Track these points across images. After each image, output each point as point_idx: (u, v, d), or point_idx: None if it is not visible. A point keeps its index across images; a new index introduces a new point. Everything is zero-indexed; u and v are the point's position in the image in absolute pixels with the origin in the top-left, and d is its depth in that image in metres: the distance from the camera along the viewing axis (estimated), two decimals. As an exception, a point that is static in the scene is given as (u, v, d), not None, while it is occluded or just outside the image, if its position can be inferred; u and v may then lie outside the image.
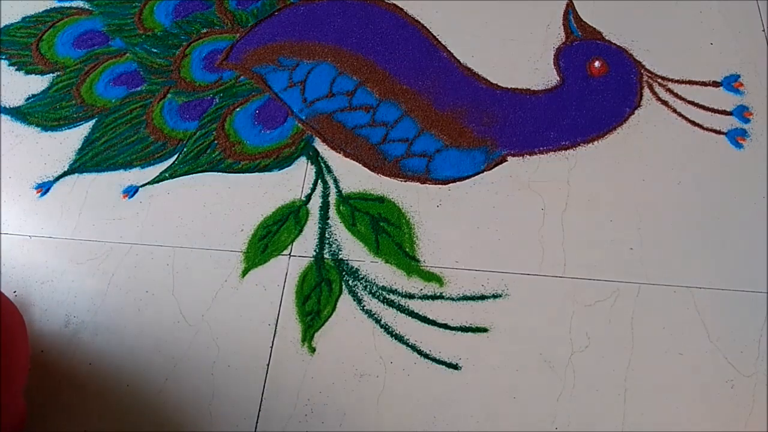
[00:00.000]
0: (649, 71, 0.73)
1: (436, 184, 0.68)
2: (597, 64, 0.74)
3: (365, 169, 0.70)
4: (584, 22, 0.77)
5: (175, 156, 0.73)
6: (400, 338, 0.59)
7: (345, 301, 0.62)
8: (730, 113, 0.69)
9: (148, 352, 0.61)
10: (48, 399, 0.58)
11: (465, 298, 0.60)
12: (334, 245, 0.65)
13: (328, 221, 0.67)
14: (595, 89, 0.72)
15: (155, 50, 0.82)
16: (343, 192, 0.68)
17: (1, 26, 0.87)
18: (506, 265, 0.62)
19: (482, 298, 0.60)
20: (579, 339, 0.57)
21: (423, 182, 0.68)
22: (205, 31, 0.83)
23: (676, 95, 0.71)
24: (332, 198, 0.68)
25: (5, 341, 0.52)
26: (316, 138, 0.73)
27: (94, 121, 0.77)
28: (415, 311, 0.60)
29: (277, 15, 0.83)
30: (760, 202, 0.63)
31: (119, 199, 0.71)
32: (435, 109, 0.72)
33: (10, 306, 0.56)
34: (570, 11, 0.78)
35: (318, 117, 0.74)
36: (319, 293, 0.62)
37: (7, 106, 0.80)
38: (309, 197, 0.69)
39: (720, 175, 0.65)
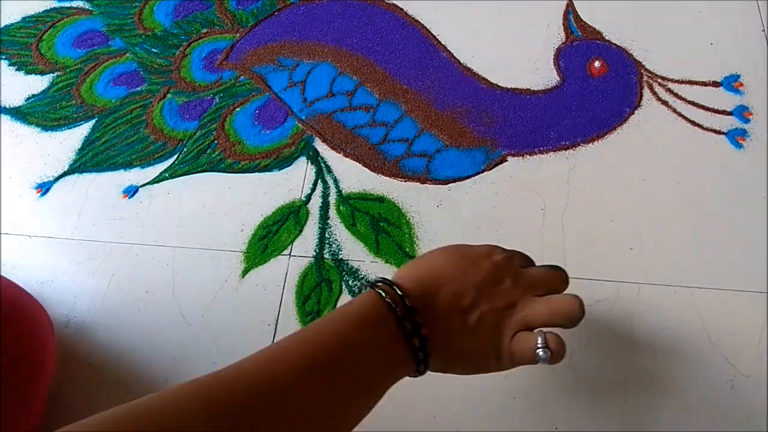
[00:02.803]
0: (649, 71, 0.73)
1: (436, 184, 0.68)
2: (597, 64, 0.74)
3: (365, 169, 0.70)
4: (584, 22, 0.77)
5: (175, 156, 0.73)
6: (400, 338, 0.59)
7: (345, 301, 0.62)
8: (730, 113, 0.69)
9: (148, 352, 0.61)
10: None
11: (465, 298, 0.60)
12: (334, 245, 0.65)
13: (328, 221, 0.67)
14: (595, 89, 0.72)
15: (155, 50, 0.82)
16: (343, 192, 0.69)
17: (1, 26, 0.87)
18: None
19: (482, 298, 0.60)
20: (579, 339, 0.57)
21: (423, 182, 0.68)
22: (205, 31, 0.83)
23: (676, 95, 0.71)
24: (332, 198, 0.68)
25: (40, 338, 0.53)
26: (316, 138, 0.73)
27: (94, 121, 0.77)
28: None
29: (277, 15, 0.83)
30: (760, 202, 0.63)
31: (119, 199, 0.71)
32: (435, 109, 0.72)
33: (36, 303, 0.56)
34: (570, 11, 0.78)
35: (318, 117, 0.74)
36: (319, 293, 0.62)
37: (7, 106, 0.80)
38: (309, 197, 0.69)
39: (720, 175, 0.65)
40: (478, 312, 0.38)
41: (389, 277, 0.39)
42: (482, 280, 0.39)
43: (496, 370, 0.41)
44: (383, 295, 0.36)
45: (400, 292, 0.36)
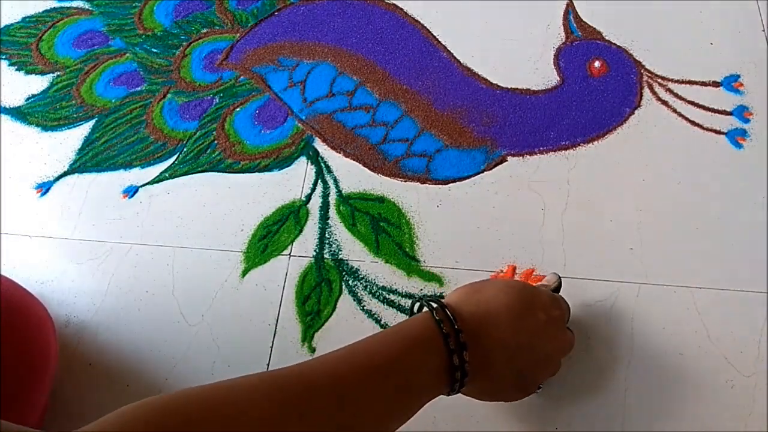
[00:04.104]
0: (649, 71, 0.73)
1: (436, 184, 0.68)
2: (597, 64, 0.73)
3: (365, 169, 0.70)
4: (584, 22, 0.77)
5: (175, 156, 0.73)
6: (400, 338, 0.59)
7: (345, 301, 0.62)
8: (730, 113, 0.69)
9: (148, 352, 0.61)
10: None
11: (465, 298, 0.60)
12: (334, 245, 0.65)
13: (328, 221, 0.67)
14: (595, 89, 0.72)
15: (155, 50, 0.82)
16: (343, 192, 0.69)
17: (1, 26, 0.87)
18: (506, 265, 0.62)
19: (482, 298, 0.60)
20: (579, 339, 0.57)
21: (423, 182, 0.68)
22: (205, 31, 0.83)
23: (676, 95, 0.71)
24: (332, 198, 0.68)
25: (41, 338, 0.53)
26: (316, 138, 0.73)
27: (94, 121, 0.77)
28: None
29: (277, 15, 0.83)
30: (760, 202, 0.63)
31: (119, 199, 0.71)
32: (435, 109, 0.72)
33: (38, 303, 0.56)
34: (570, 11, 0.78)
35: (318, 117, 0.74)
36: (319, 293, 0.62)
37: (7, 106, 0.80)
38: (309, 197, 0.69)
39: (720, 175, 0.65)
40: (519, 363, 0.41)
41: (444, 298, 0.44)
42: (533, 334, 0.42)
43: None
44: (434, 314, 0.40)
45: (451, 315, 0.40)
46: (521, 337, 0.41)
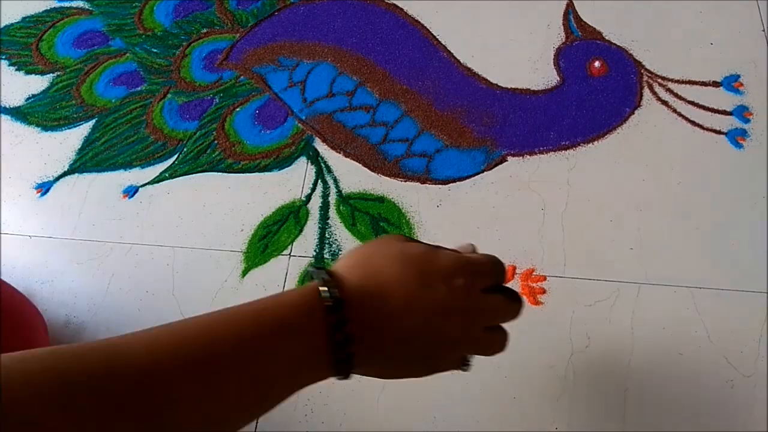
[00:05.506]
0: (649, 71, 0.73)
1: (436, 184, 0.68)
2: (597, 64, 0.73)
3: (365, 169, 0.70)
4: (584, 22, 0.77)
5: (175, 156, 0.73)
6: (400, 338, 0.59)
7: (345, 301, 0.62)
8: (730, 113, 0.69)
9: (148, 352, 0.61)
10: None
11: (465, 298, 0.60)
12: (334, 245, 0.65)
13: (328, 221, 0.67)
14: (595, 89, 0.72)
15: (155, 50, 0.82)
16: (343, 192, 0.68)
17: (1, 26, 0.87)
18: (506, 265, 0.62)
19: (482, 298, 0.60)
20: (579, 339, 0.57)
21: (423, 182, 0.68)
22: (205, 31, 0.83)
23: (676, 95, 0.71)
24: (332, 198, 0.68)
25: (33, 339, 0.52)
26: (316, 138, 0.73)
27: (94, 121, 0.77)
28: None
29: (277, 15, 0.83)
30: (760, 202, 0.63)
31: (119, 199, 0.71)
32: (435, 109, 0.72)
33: (30, 305, 0.56)
34: (570, 11, 0.78)
35: (318, 117, 0.74)
36: (319, 293, 0.62)
37: (7, 106, 0.80)
38: (309, 197, 0.69)
39: (720, 175, 0.65)
40: (417, 342, 0.35)
41: (331, 266, 0.36)
42: (431, 309, 0.35)
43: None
44: (321, 293, 0.33)
45: (327, 288, 0.33)
46: (415, 316, 0.34)
